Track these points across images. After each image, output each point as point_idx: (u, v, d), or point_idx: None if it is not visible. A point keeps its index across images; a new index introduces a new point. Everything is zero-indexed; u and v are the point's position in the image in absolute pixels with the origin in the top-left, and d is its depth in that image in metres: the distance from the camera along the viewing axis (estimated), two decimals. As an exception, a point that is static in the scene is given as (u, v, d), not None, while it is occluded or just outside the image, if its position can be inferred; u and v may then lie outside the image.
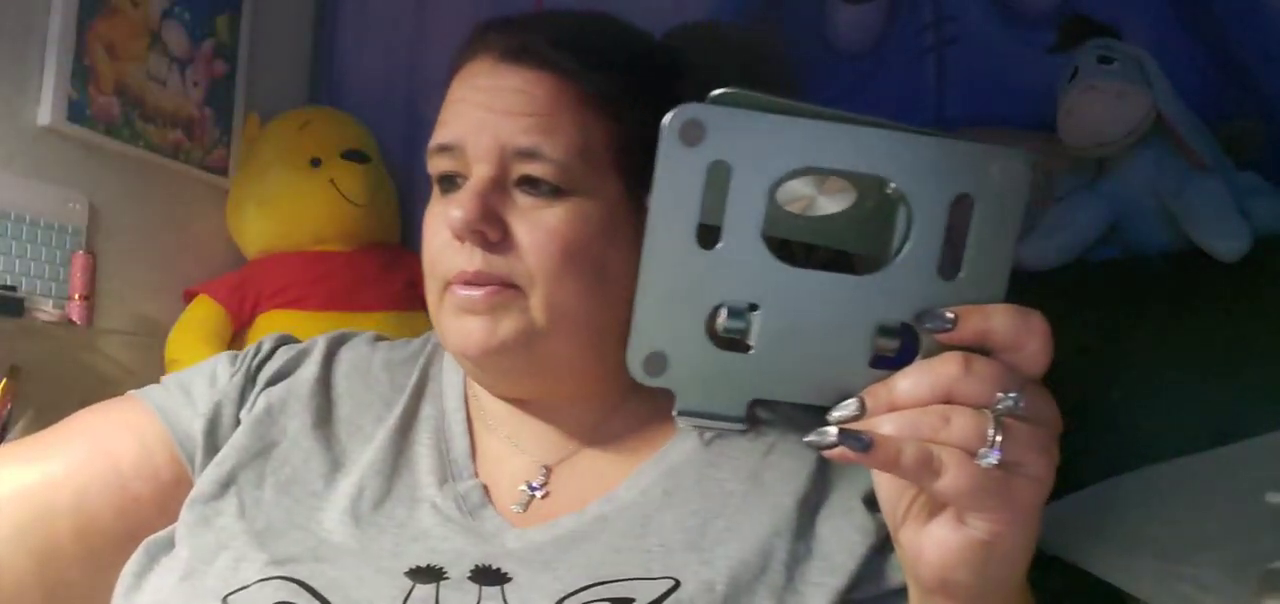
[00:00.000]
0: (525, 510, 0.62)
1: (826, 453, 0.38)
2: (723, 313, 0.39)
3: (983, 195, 0.38)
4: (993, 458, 0.37)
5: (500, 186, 0.60)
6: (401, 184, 1.54)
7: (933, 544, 0.41)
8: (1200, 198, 1.04)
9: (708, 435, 0.63)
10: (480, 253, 0.59)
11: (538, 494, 0.63)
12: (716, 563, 0.56)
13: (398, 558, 0.57)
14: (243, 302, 1.37)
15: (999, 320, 0.38)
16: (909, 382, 0.38)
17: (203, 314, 1.34)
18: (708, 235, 0.37)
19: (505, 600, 0.53)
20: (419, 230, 0.66)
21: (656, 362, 0.39)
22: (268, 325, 1.36)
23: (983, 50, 1.32)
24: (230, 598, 0.54)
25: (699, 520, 0.59)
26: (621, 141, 0.62)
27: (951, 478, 0.37)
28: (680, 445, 0.64)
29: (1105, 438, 1.00)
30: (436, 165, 0.64)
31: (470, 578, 0.55)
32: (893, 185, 0.38)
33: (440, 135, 0.63)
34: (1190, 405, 0.97)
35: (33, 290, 1.21)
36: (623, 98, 0.63)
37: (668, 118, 0.36)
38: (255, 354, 0.71)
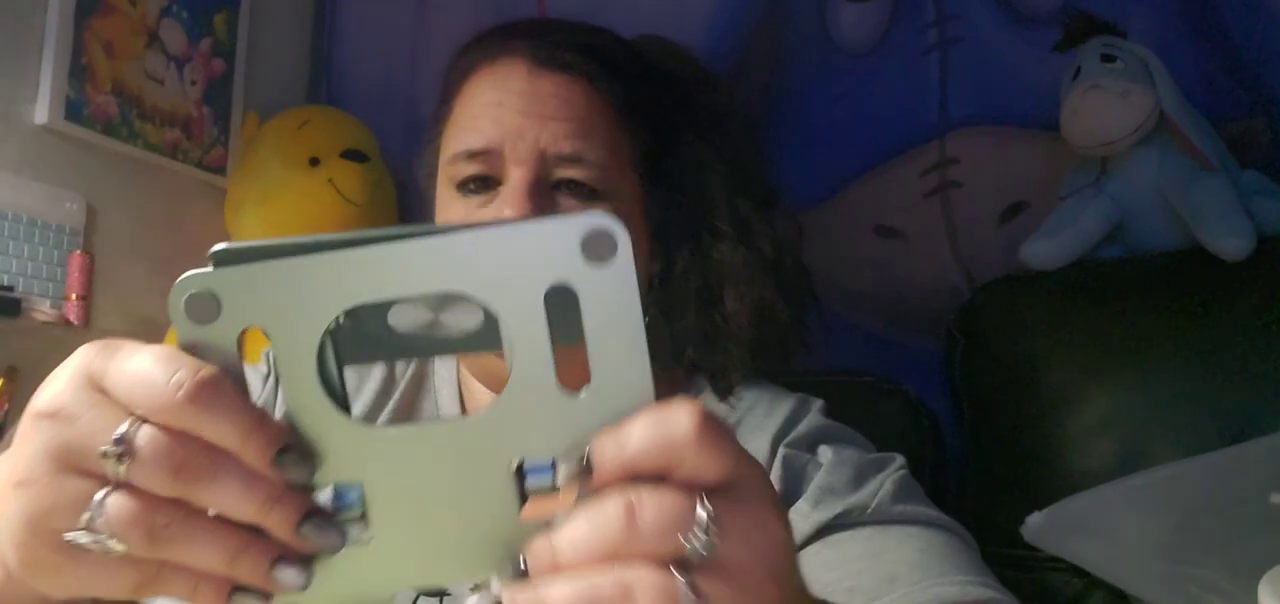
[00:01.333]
0: None
1: None
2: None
3: (582, 279, 0.30)
4: None
5: (541, 189, 0.63)
6: (401, 184, 1.54)
7: None
8: (1204, 197, 1.03)
9: None
10: None
11: None
12: None
13: None
14: (241, 301, 1.37)
15: (637, 442, 0.29)
16: (569, 538, 0.30)
17: (201, 314, 1.34)
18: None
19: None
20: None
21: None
22: (266, 325, 1.35)
23: (986, 49, 1.31)
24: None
25: None
26: (637, 145, 0.67)
27: None
28: None
29: (1109, 438, 1.00)
30: (462, 170, 0.65)
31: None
32: (471, 297, 0.31)
33: (471, 140, 0.64)
34: (1194, 406, 0.97)
35: (30, 290, 1.20)
36: (633, 104, 0.67)
37: (171, 296, 0.30)
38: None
